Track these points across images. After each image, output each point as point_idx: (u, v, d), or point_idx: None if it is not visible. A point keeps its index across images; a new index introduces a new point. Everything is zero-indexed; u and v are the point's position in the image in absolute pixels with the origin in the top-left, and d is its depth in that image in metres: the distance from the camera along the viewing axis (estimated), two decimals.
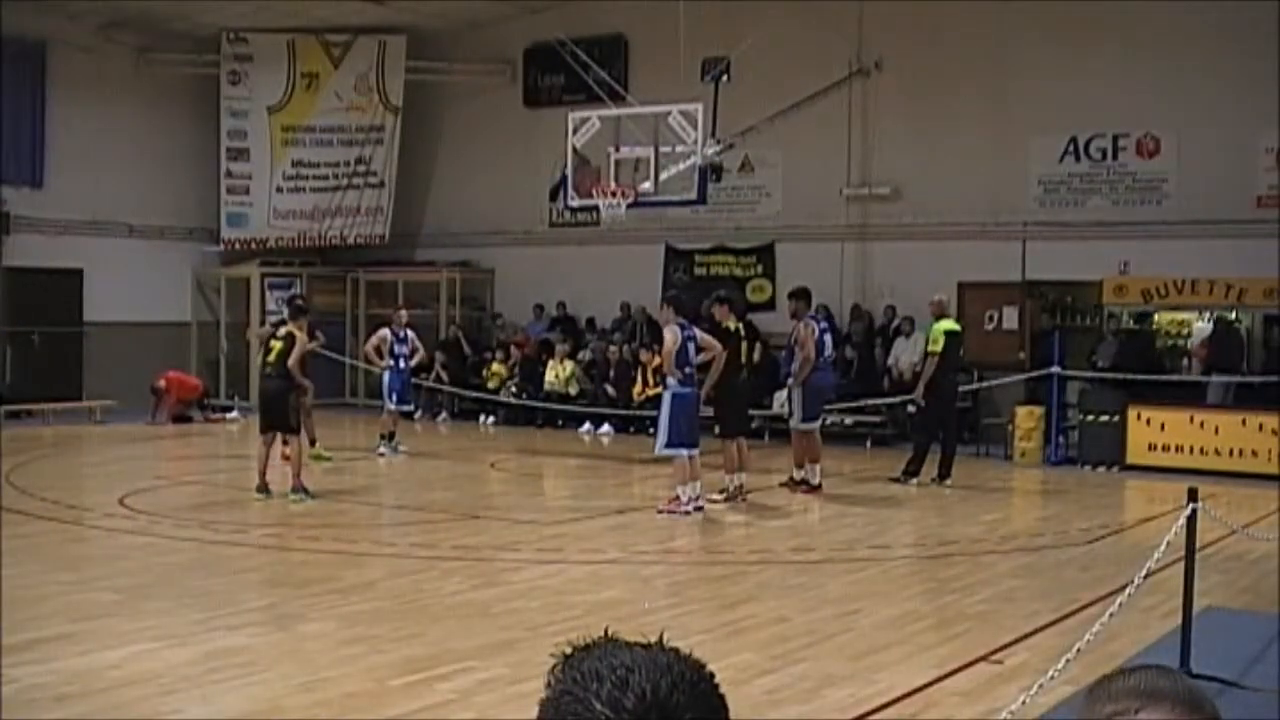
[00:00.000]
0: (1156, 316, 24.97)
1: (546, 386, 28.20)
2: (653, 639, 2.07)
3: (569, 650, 2.07)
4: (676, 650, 2.03)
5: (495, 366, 28.84)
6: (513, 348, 29.14)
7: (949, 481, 20.19)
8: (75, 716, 8.55)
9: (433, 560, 14.11)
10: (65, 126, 29.14)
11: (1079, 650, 8.74)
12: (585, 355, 28.93)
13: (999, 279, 25.63)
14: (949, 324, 20.56)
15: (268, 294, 31.22)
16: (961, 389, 23.61)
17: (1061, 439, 23.35)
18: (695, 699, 1.98)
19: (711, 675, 2.03)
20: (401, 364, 23.32)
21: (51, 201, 28.75)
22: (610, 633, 2.10)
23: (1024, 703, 8.11)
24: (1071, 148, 25.59)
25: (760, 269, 28.71)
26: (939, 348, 20.13)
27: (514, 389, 28.31)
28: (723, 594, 12.74)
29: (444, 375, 28.83)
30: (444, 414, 29.31)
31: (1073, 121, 25.40)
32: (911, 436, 22.21)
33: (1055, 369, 23.00)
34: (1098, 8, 24.62)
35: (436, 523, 16.71)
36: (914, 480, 20.23)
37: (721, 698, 2.03)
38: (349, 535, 15.61)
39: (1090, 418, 23.01)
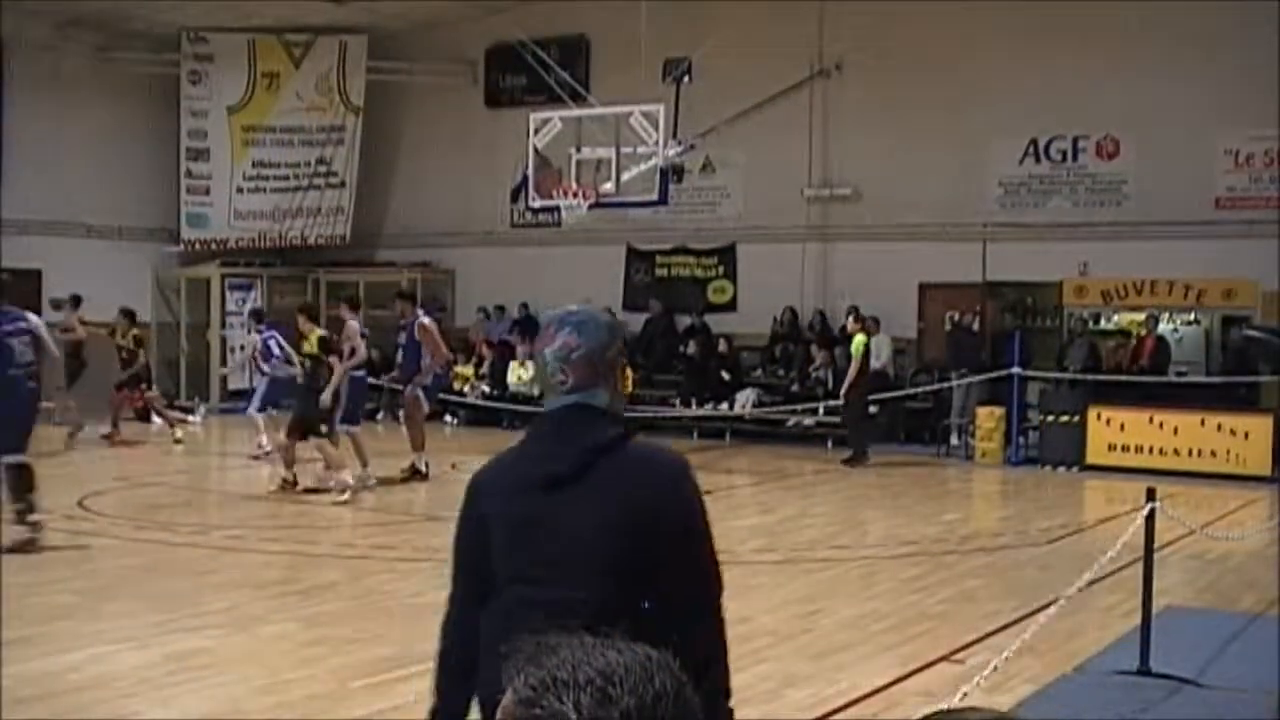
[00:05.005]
0: (1118, 317, 25.05)
1: (510, 387, 28.16)
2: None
3: (529, 646, 1.95)
4: (653, 650, 1.94)
5: (461, 368, 28.77)
6: (483, 348, 29.16)
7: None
8: (36, 719, 8.51)
9: (393, 562, 14.09)
10: (24, 125, 28.95)
11: (1040, 650, 8.76)
12: None
13: (960, 280, 25.68)
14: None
15: (228, 295, 31.14)
16: (924, 389, 24.88)
17: (1022, 439, 23.42)
18: (680, 711, 1.89)
19: (688, 681, 1.94)
20: None
21: (10, 201, 28.51)
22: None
23: (982, 702, 8.12)
24: (1032, 149, 25.70)
25: (721, 270, 28.73)
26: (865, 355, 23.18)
27: (484, 389, 28.29)
28: None
29: None
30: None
31: (1033, 123, 25.50)
32: (860, 427, 23.32)
33: (1015, 370, 23.10)
34: (1058, 10, 24.68)
35: (397, 524, 16.69)
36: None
37: (699, 705, 1.95)
38: (309, 537, 15.58)
39: (1050, 418, 23.11)
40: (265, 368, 23.23)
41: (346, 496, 17.95)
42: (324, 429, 18.26)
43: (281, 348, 23.14)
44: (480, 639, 4.01)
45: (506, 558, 4.00)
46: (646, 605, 3.87)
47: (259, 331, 23.82)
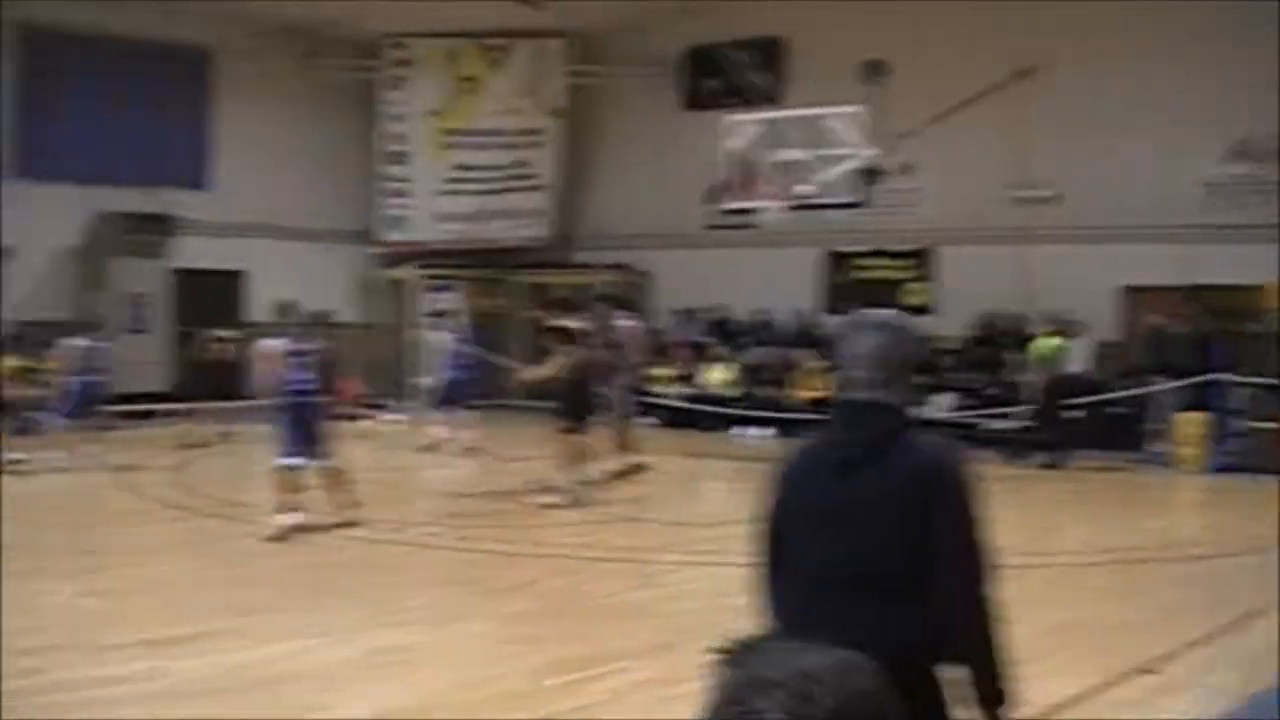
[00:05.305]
0: None
1: (705, 389, 28.19)
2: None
3: (731, 647, 1.97)
4: (851, 652, 1.94)
5: (658, 369, 28.82)
6: (679, 350, 29.25)
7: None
8: (233, 711, 8.73)
9: (590, 561, 14.19)
10: (230, 130, 29.74)
11: (1240, 662, 8.59)
12: (742, 358, 28.90)
13: (1163, 282, 25.18)
14: None
15: (426, 296, 31.52)
16: (1124, 394, 24.34)
17: (1224, 446, 22.92)
18: (877, 712, 1.89)
19: (888, 683, 1.94)
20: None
21: (216, 204, 29.29)
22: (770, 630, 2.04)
23: (1181, 714, 8.00)
24: (1236, 149, 25.14)
25: (919, 272, 28.52)
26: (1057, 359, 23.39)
27: (680, 391, 28.36)
28: None
29: None
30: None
31: (1238, 123, 24.94)
32: (1049, 434, 23.19)
33: (1219, 374, 22.64)
34: (1262, 8, 24.14)
35: (594, 523, 16.77)
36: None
37: (896, 707, 1.95)
38: (507, 535, 15.72)
39: (1256, 424, 22.59)
40: (450, 366, 23.73)
41: (558, 500, 17.96)
42: (578, 428, 18.21)
43: (467, 348, 23.63)
44: (780, 617, 4.40)
45: (799, 537, 4.37)
46: (918, 584, 4.24)
47: (446, 331, 24.32)
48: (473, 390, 24.20)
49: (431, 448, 23.49)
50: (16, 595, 11.93)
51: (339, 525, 15.66)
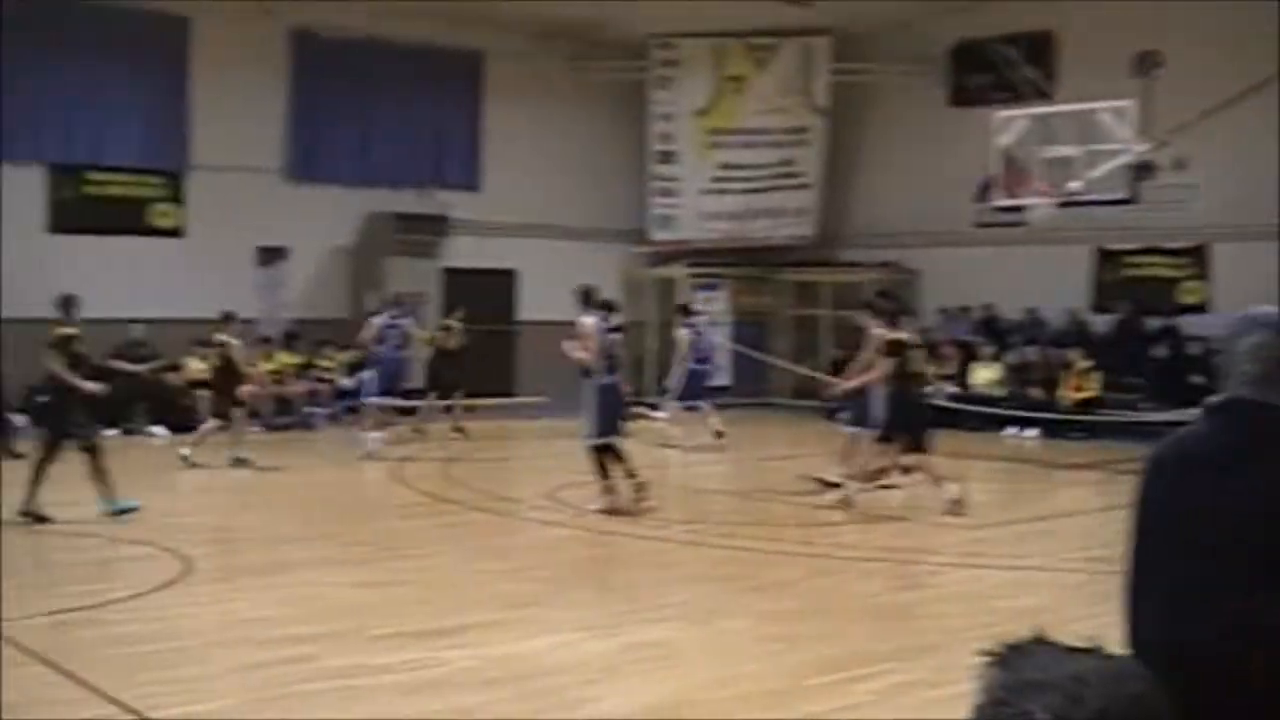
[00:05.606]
0: None
1: (972, 389, 27.85)
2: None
3: (1000, 650, 1.96)
4: (1124, 658, 1.91)
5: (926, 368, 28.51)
6: (947, 349, 28.92)
7: None
8: (496, 703, 8.84)
9: (853, 561, 14.09)
10: (501, 132, 30.24)
11: None
12: (1011, 357, 28.47)
13: None
14: None
15: (694, 295, 31.61)
16: None
17: None
18: (1147, 717, 1.86)
19: (1161, 691, 1.91)
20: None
21: (487, 204, 29.83)
22: (1040, 633, 2.01)
23: None
24: None
25: (1193, 270, 27.78)
26: None
27: (948, 391, 28.05)
28: None
29: None
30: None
31: None
32: None
33: None
34: None
35: (857, 524, 16.63)
36: None
37: (1166, 713, 1.91)
38: (770, 533, 15.69)
39: None
40: (691, 360, 23.92)
41: (835, 501, 17.61)
42: (891, 436, 17.82)
43: (718, 338, 23.79)
44: (1148, 617, 4.28)
45: (1170, 535, 4.27)
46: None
47: (687, 326, 24.40)
48: (709, 382, 24.48)
49: (671, 443, 23.57)
50: (290, 584, 12.29)
51: (628, 511, 16.36)
